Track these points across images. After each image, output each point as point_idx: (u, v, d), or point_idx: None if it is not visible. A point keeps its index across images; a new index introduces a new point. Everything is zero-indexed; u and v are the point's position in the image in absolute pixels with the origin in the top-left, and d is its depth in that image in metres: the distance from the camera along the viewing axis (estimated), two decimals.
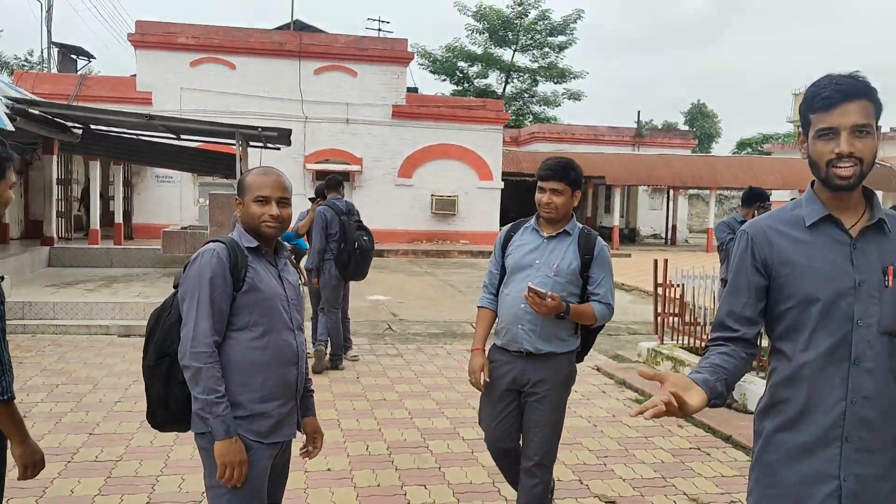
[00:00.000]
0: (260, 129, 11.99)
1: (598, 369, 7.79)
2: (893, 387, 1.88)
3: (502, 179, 25.20)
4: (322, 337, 7.40)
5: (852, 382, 1.87)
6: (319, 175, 23.40)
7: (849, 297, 1.87)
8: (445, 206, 24.30)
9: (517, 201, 28.12)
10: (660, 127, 45.45)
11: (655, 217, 33.15)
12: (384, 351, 8.41)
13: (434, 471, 4.70)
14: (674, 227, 31.22)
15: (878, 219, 1.92)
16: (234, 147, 12.23)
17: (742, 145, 53.00)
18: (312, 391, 2.79)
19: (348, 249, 7.32)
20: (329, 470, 4.67)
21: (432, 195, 24.27)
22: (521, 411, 3.48)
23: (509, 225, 3.61)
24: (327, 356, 7.41)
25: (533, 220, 3.48)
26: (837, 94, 1.84)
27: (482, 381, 3.44)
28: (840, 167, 1.85)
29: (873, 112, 1.88)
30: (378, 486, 4.44)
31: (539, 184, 3.35)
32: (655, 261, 8.45)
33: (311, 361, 7.41)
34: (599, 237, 3.50)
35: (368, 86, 23.74)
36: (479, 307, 3.63)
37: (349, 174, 23.64)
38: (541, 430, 3.41)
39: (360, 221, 7.61)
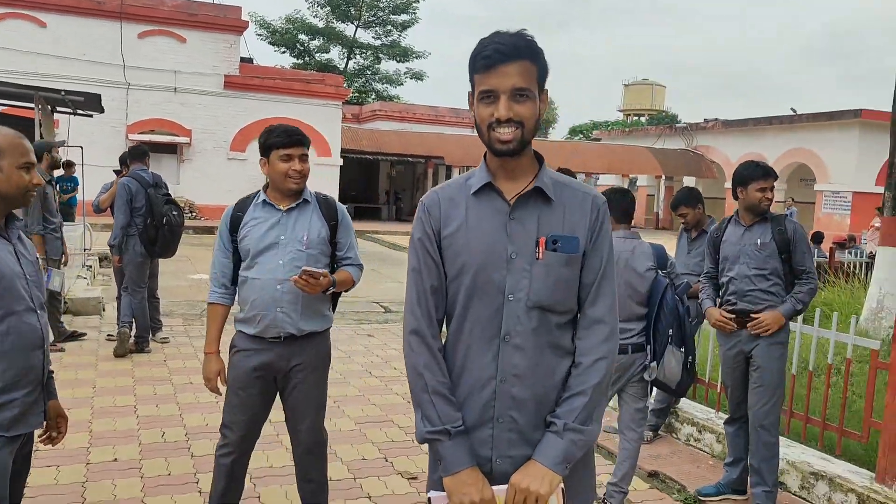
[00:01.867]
0: (63, 93, 10.95)
1: None
2: (545, 365, 1.82)
3: (342, 156, 24.83)
4: (126, 318, 6.89)
5: (502, 360, 1.81)
6: (157, 147, 21.95)
7: (501, 269, 1.80)
8: None
9: (357, 179, 27.95)
10: None
11: None
12: (199, 332, 7.98)
13: None
14: None
15: (535, 187, 1.82)
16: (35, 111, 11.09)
17: (574, 132, 55.61)
18: (52, 372, 2.52)
19: (155, 224, 6.84)
20: (115, 460, 4.33)
21: None
22: (271, 402, 3.30)
23: (233, 205, 3.29)
24: (132, 339, 6.92)
25: (264, 195, 3.20)
26: (497, 54, 1.73)
27: (220, 385, 3.25)
28: (500, 132, 1.76)
29: (535, 75, 1.77)
30: (169, 474, 4.17)
31: (283, 152, 3.12)
32: None
33: (113, 344, 6.90)
34: (337, 201, 3.38)
35: (198, 54, 22.48)
36: (210, 304, 3.26)
37: (177, 146, 22.36)
38: (310, 416, 3.27)
39: (169, 195, 7.12)
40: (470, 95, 1.86)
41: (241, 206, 3.23)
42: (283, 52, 39.08)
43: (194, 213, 22.41)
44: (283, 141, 3.12)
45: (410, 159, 28.39)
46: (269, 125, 3.28)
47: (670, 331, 3.71)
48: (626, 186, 29.65)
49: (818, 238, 14.48)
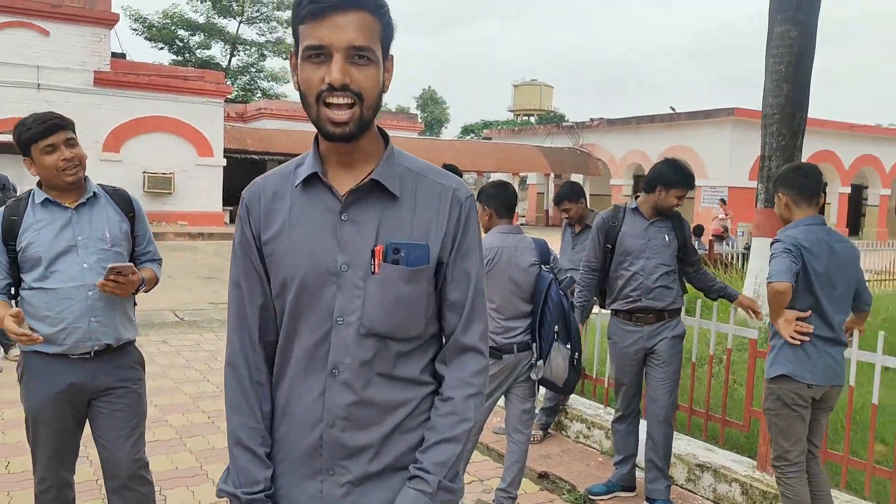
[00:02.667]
0: None
1: None
2: (383, 404, 1.46)
3: (225, 156, 23.85)
4: None
5: (329, 399, 1.45)
6: (3, 147, 20.27)
7: (329, 285, 1.44)
8: (160, 185, 22.38)
9: (242, 180, 26.95)
10: (394, 110, 46.42)
11: None
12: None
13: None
14: None
15: (371, 179, 1.44)
16: None
17: (466, 131, 56.14)
18: None
19: None
20: None
21: (144, 172, 22.20)
22: (82, 427, 2.89)
23: (1, 210, 2.78)
24: None
25: (43, 193, 2.75)
26: None
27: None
28: (332, 111, 1.36)
29: (379, 33, 1.40)
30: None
31: (43, 143, 2.67)
32: None
33: None
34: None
35: (65, 48, 20.96)
36: None
37: None
38: (134, 433, 2.88)
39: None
40: (292, 56, 1.46)
41: (15, 210, 2.74)
42: (161, 49, 37.33)
43: None
44: (38, 132, 2.67)
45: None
46: (22, 119, 2.77)
47: (556, 327, 3.56)
48: (516, 184, 30.08)
49: (698, 231, 15.05)
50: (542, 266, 3.66)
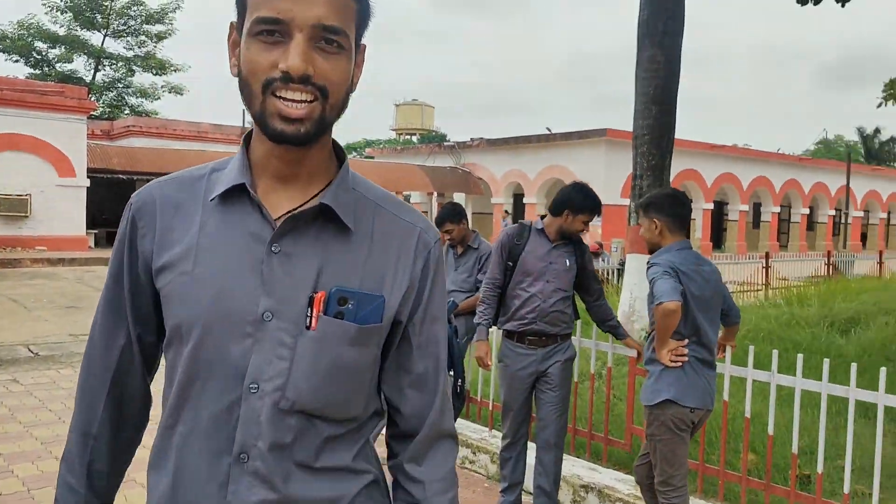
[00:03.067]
0: None
1: None
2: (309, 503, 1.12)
3: (89, 177, 22.41)
4: None
5: (234, 495, 1.08)
6: None
7: (243, 338, 1.08)
8: (14, 207, 20.70)
9: (109, 201, 25.44)
10: None
11: None
12: None
13: None
14: None
15: (320, 203, 1.10)
16: None
17: (348, 149, 55.82)
18: None
19: None
20: None
21: None
22: None
23: None
24: None
25: None
26: None
27: None
28: (286, 101, 1.04)
29: (354, 13, 1.10)
30: None
31: None
32: None
33: None
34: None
35: None
36: None
37: None
38: None
39: None
40: (232, 29, 1.13)
41: None
42: (17, 61, 34.79)
43: None
44: None
45: None
46: None
47: None
48: (432, 204, 30.06)
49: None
50: None
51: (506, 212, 23.85)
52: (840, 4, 9.53)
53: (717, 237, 34.00)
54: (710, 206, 31.73)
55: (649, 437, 3.25)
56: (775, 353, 3.61)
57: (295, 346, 1.08)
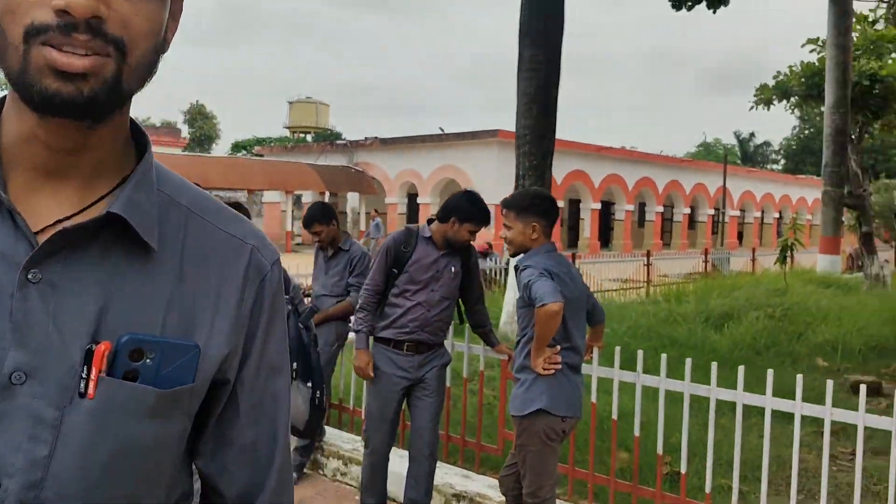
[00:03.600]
0: None
1: None
2: None
3: None
4: None
5: None
6: None
7: None
8: None
9: None
10: (158, 125, 43.47)
11: None
12: None
13: None
14: None
15: (108, 212, 0.77)
16: None
17: (237, 147, 54.05)
18: None
19: None
20: None
21: None
22: None
23: None
24: None
25: None
26: None
27: None
28: (57, 52, 0.71)
29: None
30: None
31: None
32: None
33: None
34: None
35: None
36: None
37: None
38: None
39: None
40: None
41: None
42: None
43: None
44: None
45: None
46: None
47: (294, 365, 3.21)
48: (289, 203, 29.37)
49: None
50: None
51: (375, 211, 23.62)
52: (712, 11, 9.92)
53: (605, 236, 35.12)
54: (598, 206, 32.71)
55: (519, 447, 3.13)
56: (640, 353, 3.60)
57: (60, 422, 0.74)
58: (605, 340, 7.77)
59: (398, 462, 4.33)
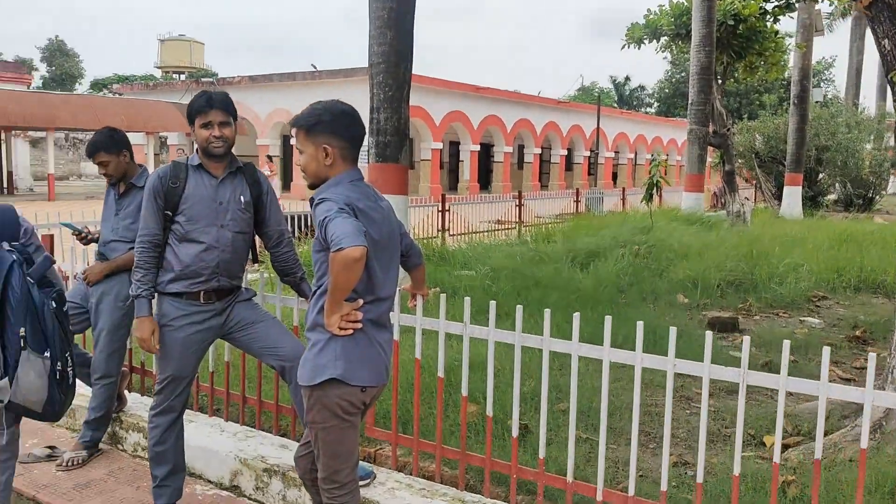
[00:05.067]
0: None
1: None
2: None
3: None
4: None
5: None
6: None
7: None
8: None
9: None
10: (11, 61, 39.21)
11: None
12: None
13: None
14: (9, 173, 27.24)
15: None
16: None
17: (96, 86, 50.01)
18: None
19: None
20: None
21: None
22: None
23: None
24: None
25: None
26: None
27: None
28: None
29: None
30: None
31: None
32: None
33: None
34: None
35: None
36: None
37: None
38: None
39: None
40: None
41: None
42: None
43: None
44: None
45: None
46: None
47: (22, 329, 2.49)
48: (151, 146, 27.30)
49: None
50: (5, 244, 2.55)
51: (269, 158, 22.12)
52: None
53: (485, 179, 35.01)
54: (477, 147, 32.42)
55: (309, 424, 2.56)
56: (467, 300, 3.08)
57: None
58: (467, 283, 7.57)
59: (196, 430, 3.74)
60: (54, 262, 2.65)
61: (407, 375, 3.83)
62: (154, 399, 3.31)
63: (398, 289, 2.95)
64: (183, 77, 50.86)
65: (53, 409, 2.60)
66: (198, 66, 56.32)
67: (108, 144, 3.90)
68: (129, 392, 4.40)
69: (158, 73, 55.43)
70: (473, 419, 3.62)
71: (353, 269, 2.29)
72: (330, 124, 2.55)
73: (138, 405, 4.23)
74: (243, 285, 3.37)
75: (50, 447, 4.02)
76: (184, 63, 56.42)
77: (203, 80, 32.59)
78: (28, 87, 31.09)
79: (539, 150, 36.64)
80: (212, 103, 3.15)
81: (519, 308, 2.97)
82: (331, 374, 2.43)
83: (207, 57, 60.49)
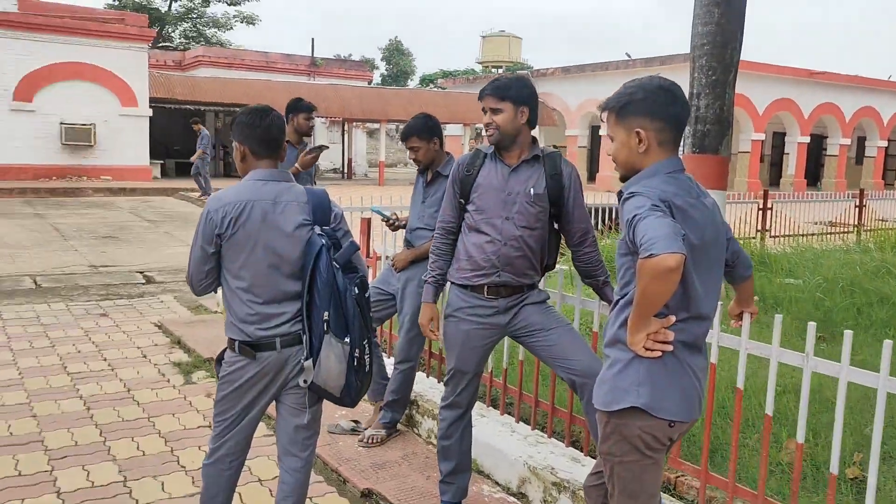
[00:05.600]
0: None
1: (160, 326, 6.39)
2: None
3: (151, 106, 22.25)
4: None
5: None
6: None
7: None
8: (79, 137, 20.79)
9: (171, 132, 25.33)
10: (356, 60, 44.54)
11: (335, 151, 32.32)
12: None
13: None
14: (349, 160, 30.71)
15: None
16: None
17: (424, 81, 54.43)
18: None
19: None
20: None
21: (62, 123, 20.60)
22: None
23: None
24: None
25: None
26: None
27: None
28: None
29: None
30: None
31: None
32: None
33: None
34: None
35: None
36: None
37: None
38: None
39: None
40: None
41: None
42: None
43: None
44: None
45: (239, 110, 26.04)
46: None
47: (326, 313, 2.51)
48: (467, 136, 28.86)
49: None
50: (318, 228, 2.60)
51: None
52: None
53: (813, 174, 31.29)
54: (807, 139, 29.04)
55: (604, 455, 2.21)
56: (812, 326, 2.48)
57: None
58: (793, 294, 6.59)
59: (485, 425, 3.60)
60: (357, 248, 2.65)
61: (721, 402, 3.30)
62: (443, 390, 3.25)
63: (718, 304, 2.47)
64: (500, 71, 53.13)
65: (350, 395, 2.61)
66: (515, 60, 58.43)
67: (421, 129, 3.93)
68: (428, 377, 4.45)
69: (478, 69, 58.57)
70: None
71: (667, 281, 1.87)
72: (644, 103, 2.15)
73: (433, 391, 4.25)
74: (537, 285, 3.14)
75: (355, 421, 4.21)
76: (502, 58, 58.92)
77: (518, 72, 33.52)
78: (368, 84, 34.74)
79: (885, 143, 31.77)
80: (485, 90, 3.00)
81: (887, 343, 2.29)
82: (633, 401, 2.06)
83: (524, 51, 62.41)
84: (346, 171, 30.81)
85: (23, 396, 4.58)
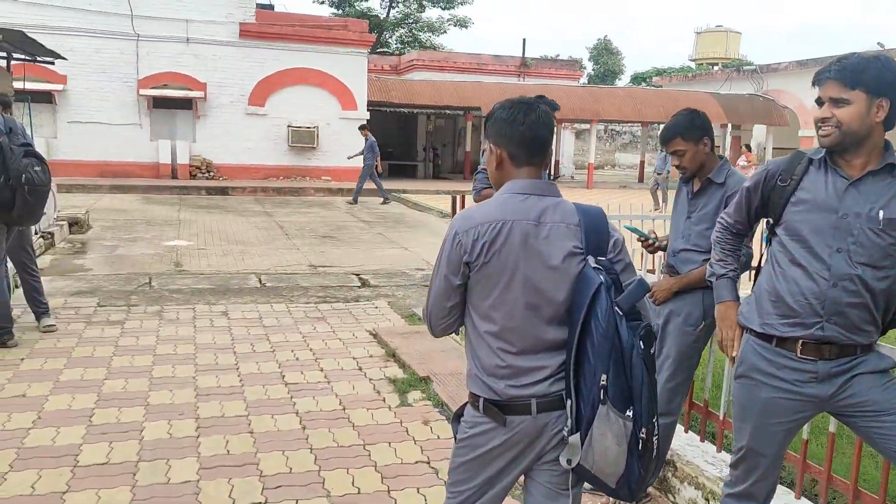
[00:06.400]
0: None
1: (376, 336, 6.15)
2: None
3: (369, 109, 23.06)
4: None
5: None
6: (157, 102, 20.69)
7: None
8: (304, 139, 22.01)
9: (393, 133, 26.18)
10: (566, 59, 43.89)
11: None
12: (106, 316, 6.47)
13: None
14: (556, 162, 30.05)
15: None
16: None
17: (636, 79, 52.33)
18: None
19: (12, 184, 5.27)
20: None
21: (289, 126, 21.92)
22: None
23: None
24: None
25: None
26: None
27: None
28: None
29: None
30: None
31: None
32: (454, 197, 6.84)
33: None
34: None
35: (210, 1, 20.89)
36: None
37: (192, 101, 20.98)
38: None
39: (30, 145, 5.52)
40: None
41: None
42: (321, 3, 37.31)
43: (211, 173, 21.10)
44: None
45: (449, 112, 26.38)
46: None
47: (604, 377, 1.87)
48: None
49: None
50: (591, 258, 1.97)
51: (746, 146, 19.35)
52: None
53: None
54: None
55: None
56: None
57: None
58: None
59: None
60: (648, 288, 1.98)
61: None
62: (728, 473, 2.49)
63: None
64: (716, 68, 49.90)
65: (629, 487, 1.94)
66: (732, 56, 54.60)
67: (687, 128, 3.17)
68: (686, 432, 3.67)
69: (692, 65, 55.44)
70: None
71: None
72: None
73: (695, 450, 3.47)
74: (875, 346, 2.29)
75: None
76: (718, 54, 55.36)
77: (745, 68, 30.97)
78: (577, 83, 33.85)
79: None
80: (826, 73, 2.23)
81: None
82: None
83: (743, 47, 58.11)
84: (552, 172, 30.19)
85: (242, 408, 4.43)
